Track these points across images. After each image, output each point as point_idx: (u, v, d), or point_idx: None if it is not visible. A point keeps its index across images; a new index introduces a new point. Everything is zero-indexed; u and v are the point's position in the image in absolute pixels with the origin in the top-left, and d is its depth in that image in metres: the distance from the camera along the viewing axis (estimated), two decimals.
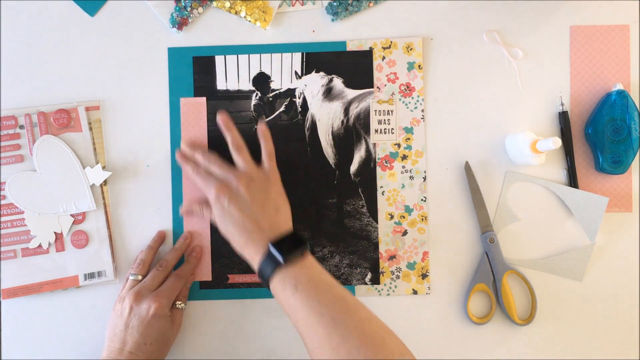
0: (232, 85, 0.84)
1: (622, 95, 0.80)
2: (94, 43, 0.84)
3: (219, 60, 0.84)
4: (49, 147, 0.81)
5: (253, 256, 0.71)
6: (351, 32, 0.84)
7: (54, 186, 0.82)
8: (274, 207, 0.74)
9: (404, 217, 0.83)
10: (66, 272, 0.82)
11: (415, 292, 0.82)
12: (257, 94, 0.84)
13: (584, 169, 0.83)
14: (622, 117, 0.79)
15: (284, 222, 0.74)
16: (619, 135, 0.79)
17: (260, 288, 0.83)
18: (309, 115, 0.84)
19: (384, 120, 0.83)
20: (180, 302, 0.80)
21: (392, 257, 0.83)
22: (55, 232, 0.82)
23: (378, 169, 0.83)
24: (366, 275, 0.83)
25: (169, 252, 0.82)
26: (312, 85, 0.84)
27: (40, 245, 0.81)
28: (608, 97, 0.80)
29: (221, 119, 0.79)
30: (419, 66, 0.83)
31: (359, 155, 0.83)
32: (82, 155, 0.82)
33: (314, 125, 0.84)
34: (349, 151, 0.83)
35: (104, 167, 0.83)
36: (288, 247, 0.70)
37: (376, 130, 0.83)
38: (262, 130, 0.79)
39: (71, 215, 0.82)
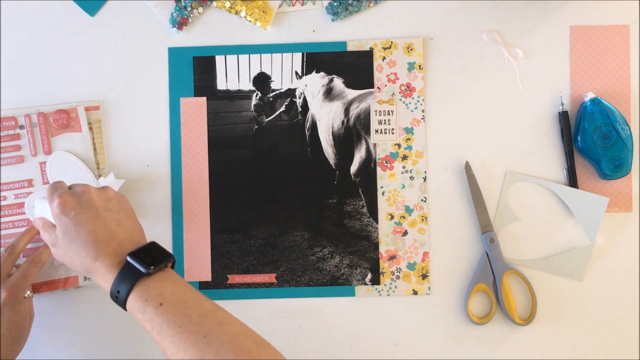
0: (233, 85, 0.84)
1: (597, 102, 0.80)
2: (94, 43, 0.84)
3: (219, 60, 0.84)
4: (61, 162, 0.81)
5: (104, 272, 0.62)
6: (351, 32, 0.84)
7: None
8: (129, 218, 0.68)
9: (404, 217, 0.83)
10: (66, 272, 0.82)
11: (415, 293, 0.83)
12: (257, 94, 0.84)
13: (584, 169, 0.83)
14: (606, 122, 0.79)
15: (142, 234, 0.68)
16: (609, 140, 0.79)
17: (260, 288, 0.83)
18: (309, 116, 0.84)
19: (384, 120, 0.83)
20: (28, 292, 0.74)
21: (392, 258, 0.83)
22: None
23: (378, 169, 0.83)
24: (366, 275, 0.83)
25: (18, 236, 0.76)
26: (312, 85, 0.84)
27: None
28: (584, 109, 0.81)
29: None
30: (420, 66, 0.83)
31: (359, 156, 0.83)
32: (82, 156, 0.82)
33: (314, 125, 0.84)
34: (349, 151, 0.83)
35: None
36: (150, 257, 0.62)
37: (376, 131, 0.83)
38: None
39: None
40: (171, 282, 0.62)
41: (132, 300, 0.60)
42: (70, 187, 0.70)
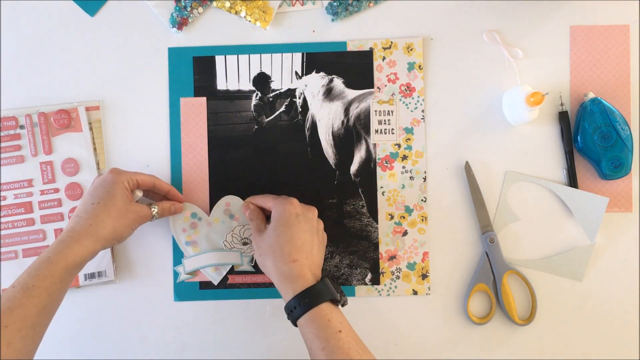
0: (233, 85, 0.84)
1: (597, 102, 0.80)
2: (94, 43, 0.84)
3: (219, 60, 0.84)
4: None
5: (301, 275, 0.70)
6: (351, 32, 0.84)
7: None
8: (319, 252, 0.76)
9: (404, 217, 0.83)
10: None
11: (415, 293, 0.83)
12: (257, 94, 0.84)
13: (584, 169, 0.83)
14: (606, 122, 0.79)
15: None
16: (609, 140, 0.79)
17: (260, 288, 0.83)
18: (309, 116, 0.84)
19: (384, 120, 0.83)
20: (154, 207, 0.78)
21: (392, 258, 0.83)
22: None
23: (378, 169, 0.83)
24: (366, 275, 0.83)
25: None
26: (312, 86, 0.84)
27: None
28: (584, 109, 0.81)
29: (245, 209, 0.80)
30: (419, 66, 0.83)
31: (359, 156, 0.83)
32: (82, 156, 0.82)
33: (314, 125, 0.84)
34: (349, 151, 0.83)
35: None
36: (337, 290, 0.71)
37: (376, 131, 0.83)
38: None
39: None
40: (345, 319, 0.70)
41: (316, 313, 0.68)
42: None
